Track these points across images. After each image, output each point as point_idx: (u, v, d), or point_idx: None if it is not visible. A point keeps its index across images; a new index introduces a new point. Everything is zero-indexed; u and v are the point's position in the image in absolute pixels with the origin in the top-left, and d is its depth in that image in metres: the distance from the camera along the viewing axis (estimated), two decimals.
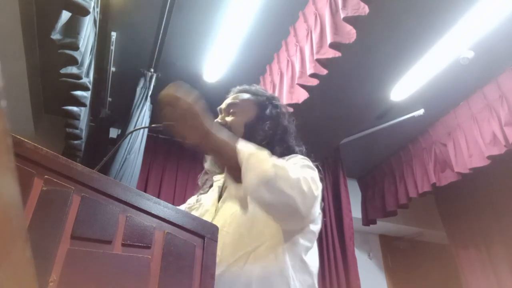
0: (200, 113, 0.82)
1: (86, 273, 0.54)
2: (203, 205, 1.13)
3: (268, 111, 1.19)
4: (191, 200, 1.24)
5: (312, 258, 0.99)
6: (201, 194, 1.20)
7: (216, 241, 0.70)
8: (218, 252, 0.89)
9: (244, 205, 0.84)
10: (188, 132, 0.82)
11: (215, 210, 1.05)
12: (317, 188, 0.87)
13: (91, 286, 0.54)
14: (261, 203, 0.81)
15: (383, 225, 4.14)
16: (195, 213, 1.13)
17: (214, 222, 0.97)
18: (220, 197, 1.10)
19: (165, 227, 0.65)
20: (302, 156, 1.07)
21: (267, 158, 0.83)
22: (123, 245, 0.59)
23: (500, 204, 3.79)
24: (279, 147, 1.13)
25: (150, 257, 0.60)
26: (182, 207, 1.24)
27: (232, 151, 0.83)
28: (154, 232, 0.63)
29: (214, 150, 0.86)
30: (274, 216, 0.86)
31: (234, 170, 0.83)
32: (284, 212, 0.84)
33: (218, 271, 0.86)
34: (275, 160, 0.84)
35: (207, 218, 1.04)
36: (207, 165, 1.22)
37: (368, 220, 4.04)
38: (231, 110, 1.16)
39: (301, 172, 0.86)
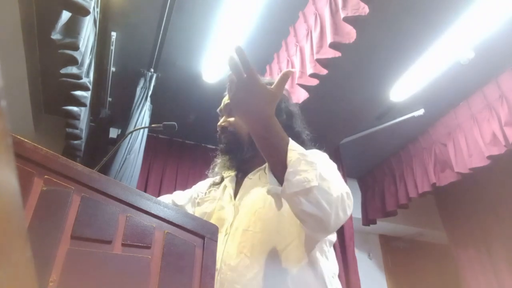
0: (269, 92, 0.76)
1: (86, 273, 0.54)
2: (217, 200, 1.10)
3: None
4: (200, 188, 1.20)
5: (333, 255, 1.02)
6: (212, 187, 1.17)
7: (216, 241, 0.70)
8: (248, 254, 0.88)
9: (278, 203, 0.81)
10: (248, 111, 0.76)
11: (233, 207, 1.02)
12: (350, 209, 0.84)
13: (91, 286, 0.54)
14: (295, 206, 0.78)
15: (383, 225, 4.14)
16: (208, 205, 1.11)
17: (237, 221, 0.97)
18: (235, 193, 1.07)
19: (165, 227, 0.65)
20: (324, 154, 1.04)
21: (315, 164, 0.78)
22: (123, 245, 0.59)
23: (500, 204, 3.79)
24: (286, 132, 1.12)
25: (150, 257, 0.60)
26: (189, 191, 1.22)
27: (283, 146, 0.78)
28: (154, 232, 0.63)
29: (265, 138, 0.79)
30: (302, 221, 0.83)
31: (277, 165, 0.78)
32: (314, 222, 0.81)
33: (251, 273, 0.86)
34: (322, 168, 0.80)
35: (226, 215, 1.02)
36: (217, 167, 1.19)
37: (368, 220, 4.04)
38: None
39: (340, 187, 0.83)
